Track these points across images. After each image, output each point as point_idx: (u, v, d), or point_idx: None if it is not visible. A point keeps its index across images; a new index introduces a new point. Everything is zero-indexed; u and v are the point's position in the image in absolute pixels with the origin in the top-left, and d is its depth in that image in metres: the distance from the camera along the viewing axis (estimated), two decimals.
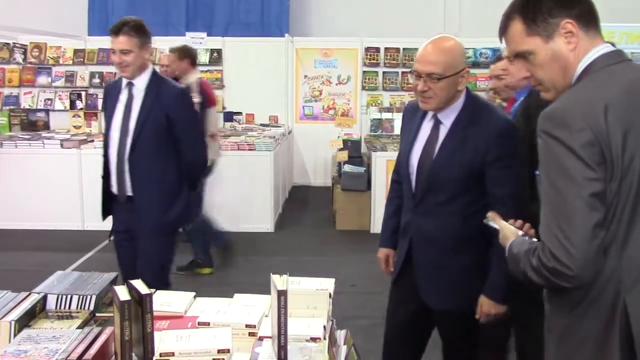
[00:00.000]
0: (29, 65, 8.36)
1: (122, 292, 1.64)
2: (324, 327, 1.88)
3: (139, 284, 1.68)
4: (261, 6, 9.81)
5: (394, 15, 9.39)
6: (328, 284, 2.10)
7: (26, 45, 8.36)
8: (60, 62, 8.53)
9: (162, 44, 8.68)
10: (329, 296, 2.04)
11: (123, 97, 3.20)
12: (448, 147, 2.32)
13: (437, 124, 2.36)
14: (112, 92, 3.29)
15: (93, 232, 6.15)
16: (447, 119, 2.34)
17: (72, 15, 9.52)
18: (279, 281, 1.71)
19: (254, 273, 5.30)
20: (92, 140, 6.83)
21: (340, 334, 2.05)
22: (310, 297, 2.00)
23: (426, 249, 2.41)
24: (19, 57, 8.35)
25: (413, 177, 2.40)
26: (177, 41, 8.49)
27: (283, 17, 9.75)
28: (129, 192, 3.20)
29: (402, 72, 8.63)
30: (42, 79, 8.34)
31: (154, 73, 3.22)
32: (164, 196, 3.22)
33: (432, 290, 2.42)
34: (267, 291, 2.27)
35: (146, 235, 3.20)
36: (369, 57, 8.70)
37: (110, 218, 3.38)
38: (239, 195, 6.59)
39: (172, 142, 3.20)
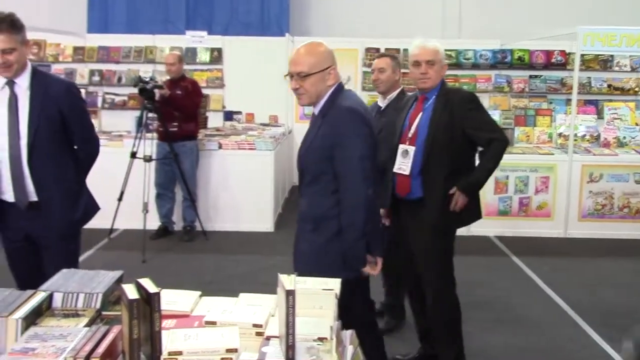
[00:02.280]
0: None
1: (131, 291, 1.64)
2: (331, 327, 1.88)
3: (147, 283, 1.68)
4: (261, 5, 9.81)
5: (394, 16, 9.41)
6: (334, 284, 2.10)
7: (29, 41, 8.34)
8: (60, 59, 8.52)
9: (162, 42, 8.71)
10: (335, 297, 2.04)
11: (3, 97, 2.93)
12: (309, 135, 2.74)
13: (313, 116, 2.76)
14: None
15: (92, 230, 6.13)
16: (317, 110, 2.70)
17: (71, 13, 9.51)
18: (286, 281, 1.71)
19: (255, 272, 5.31)
20: None
21: (346, 334, 2.05)
22: (317, 297, 2.00)
23: (302, 221, 2.79)
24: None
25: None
26: (177, 39, 8.54)
27: (283, 17, 9.76)
28: (33, 198, 3.00)
29: (403, 73, 8.62)
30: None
31: (34, 69, 2.99)
32: (68, 196, 3.10)
33: None
34: (268, 290, 2.28)
35: (54, 237, 3.06)
36: (369, 57, 8.70)
37: None
38: (239, 194, 6.59)
39: (67, 140, 3.09)
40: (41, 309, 1.88)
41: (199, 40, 8.17)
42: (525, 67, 8.53)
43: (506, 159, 6.30)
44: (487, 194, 6.53)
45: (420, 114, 3.40)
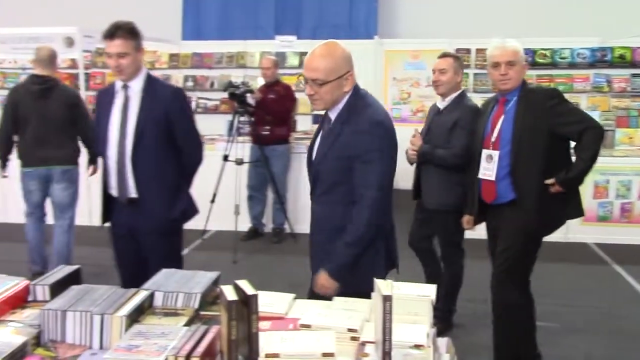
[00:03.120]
0: None
1: (229, 292, 1.66)
2: (428, 334, 1.83)
3: (245, 285, 1.70)
4: (349, 8, 9.83)
5: (485, 15, 9.18)
6: (429, 291, 2.06)
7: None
8: (156, 66, 8.84)
9: (253, 48, 8.87)
10: (430, 303, 1.99)
11: (119, 100, 3.16)
12: (326, 142, 2.55)
13: (328, 121, 2.57)
14: (105, 96, 3.24)
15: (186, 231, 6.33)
16: (333, 115, 2.53)
17: (167, 21, 9.88)
18: (383, 286, 1.69)
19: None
20: None
21: (442, 342, 2.00)
22: (412, 303, 1.97)
23: (317, 234, 2.65)
24: None
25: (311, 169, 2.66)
26: (267, 44, 8.68)
27: (371, 19, 9.74)
28: (133, 194, 3.17)
29: (474, 74, 8.40)
30: None
31: (148, 75, 3.19)
32: (166, 195, 3.20)
33: None
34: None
35: (151, 234, 3.18)
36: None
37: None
38: None
39: (171, 141, 3.19)
40: (143, 307, 1.94)
41: (288, 44, 8.28)
42: (627, 66, 8.09)
43: (607, 162, 6.02)
44: (586, 199, 6.23)
45: (502, 117, 3.33)
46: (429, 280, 4.00)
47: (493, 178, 3.32)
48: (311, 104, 2.55)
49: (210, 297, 2.10)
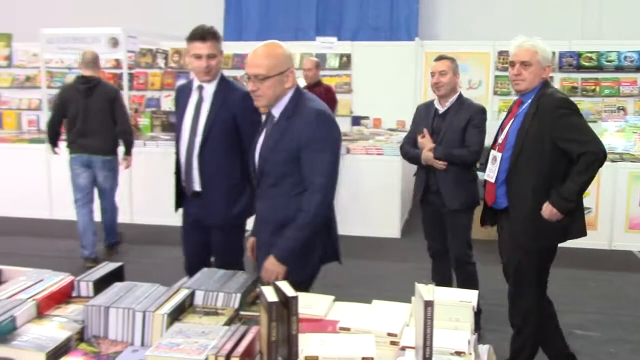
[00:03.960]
0: (169, 69, 8.82)
1: (270, 293, 1.66)
2: (469, 340, 1.81)
3: (285, 286, 1.70)
4: (390, 10, 9.77)
5: (529, 17, 9.02)
6: (471, 296, 2.03)
7: (167, 50, 8.83)
8: None
9: (293, 49, 8.89)
10: (472, 309, 1.96)
11: (193, 99, 3.31)
12: (271, 138, 2.64)
13: (272, 119, 2.67)
14: (182, 94, 3.39)
15: None
16: (277, 112, 2.64)
17: (209, 22, 9.96)
18: (425, 291, 1.66)
19: (381, 278, 5.28)
20: None
21: (484, 349, 1.97)
22: (453, 308, 1.94)
23: (262, 231, 2.72)
24: (160, 62, 8.83)
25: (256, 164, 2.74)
26: (308, 46, 8.70)
27: (412, 21, 9.66)
28: (197, 188, 3.32)
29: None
30: (183, 81, 8.78)
31: (222, 77, 3.32)
32: (230, 192, 3.31)
33: None
34: (394, 297, 2.25)
35: (216, 228, 3.34)
36: (502, 61, 8.39)
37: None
38: (366, 199, 6.59)
39: (238, 142, 3.28)
40: (184, 306, 1.96)
41: (329, 46, 8.28)
42: None
43: None
44: (631, 206, 6.08)
45: (512, 119, 3.24)
46: (441, 283, 3.95)
47: (493, 180, 3.25)
48: (254, 101, 2.65)
49: (250, 298, 2.11)
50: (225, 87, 3.31)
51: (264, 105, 2.65)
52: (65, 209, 7.13)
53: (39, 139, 7.51)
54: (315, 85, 6.37)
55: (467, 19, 9.31)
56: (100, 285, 2.08)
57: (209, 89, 3.28)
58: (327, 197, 2.58)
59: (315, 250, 2.66)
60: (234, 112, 3.25)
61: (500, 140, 3.26)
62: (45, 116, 7.90)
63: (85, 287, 2.08)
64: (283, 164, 2.60)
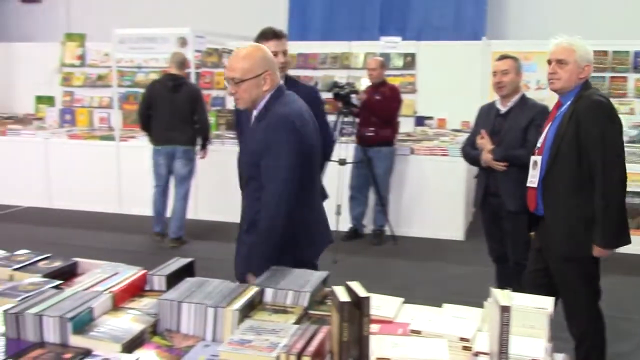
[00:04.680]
0: None
1: (342, 293, 1.65)
2: (545, 348, 1.75)
3: (356, 286, 1.68)
4: (456, 9, 9.61)
5: (600, 16, 8.71)
6: (546, 303, 1.96)
7: (233, 50, 8.95)
8: None
9: (357, 49, 8.88)
10: (548, 316, 1.90)
11: None
12: (248, 138, 2.77)
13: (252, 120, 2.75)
14: None
15: None
16: (255, 114, 2.69)
17: (273, 22, 10.05)
18: (501, 296, 1.62)
19: (444, 281, 5.20)
20: None
21: (559, 358, 1.90)
22: (528, 315, 1.88)
23: (243, 225, 2.79)
24: (226, 61, 8.96)
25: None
26: (372, 45, 8.66)
27: (479, 20, 9.47)
28: None
29: (611, 77, 7.97)
30: None
31: (286, 76, 3.35)
32: None
33: None
34: (458, 300, 2.20)
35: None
36: None
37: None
38: (430, 200, 6.51)
39: None
40: (254, 303, 1.97)
41: (393, 45, 8.20)
42: None
43: None
44: None
45: (551, 122, 3.13)
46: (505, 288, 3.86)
47: (535, 185, 3.14)
48: (235, 104, 2.71)
49: (319, 297, 2.10)
50: (293, 85, 3.32)
51: (244, 107, 2.70)
52: (134, 205, 7.35)
53: (110, 136, 7.75)
54: (380, 85, 6.32)
55: (537, 18, 9.06)
56: (172, 279, 2.11)
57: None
58: (280, 204, 2.53)
59: (288, 255, 2.59)
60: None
61: (539, 144, 3.17)
62: (116, 114, 8.16)
63: (157, 281, 2.12)
64: (249, 167, 2.68)
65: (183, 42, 7.00)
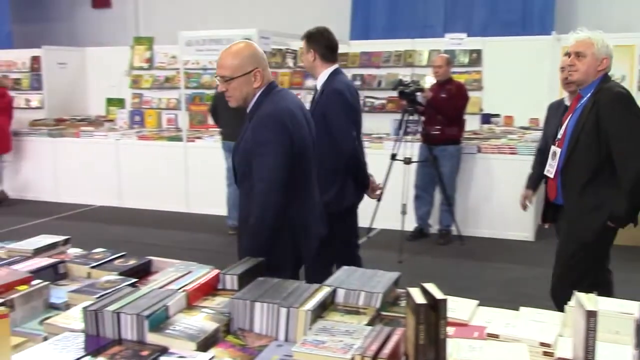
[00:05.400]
0: (298, 69, 8.99)
1: (417, 295, 1.61)
2: (633, 356, 1.66)
3: (432, 288, 1.64)
4: (523, 3, 9.36)
5: None
6: (632, 308, 1.87)
7: (296, 50, 9.00)
8: None
9: (421, 46, 8.77)
10: (635, 322, 1.81)
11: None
12: (240, 135, 2.73)
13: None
14: None
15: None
16: (247, 111, 2.71)
17: (336, 21, 10.05)
18: (586, 300, 1.55)
19: (513, 282, 5.07)
20: None
21: None
22: (614, 320, 1.79)
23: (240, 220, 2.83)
24: (290, 61, 9.02)
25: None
26: (436, 42, 8.53)
27: (548, 14, 9.19)
28: None
29: None
30: (310, 82, 8.91)
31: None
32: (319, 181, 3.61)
33: None
34: (529, 302, 2.13)
35: None
36: None
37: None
38: (498, 200, 6.36)
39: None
40: (326, 303, 1.95)
41: (458, 42, 8.05)
42: None
43: None
44: None
45: (571, 114, 3.22)
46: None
47: (552, 176, 3.27)
48: (228, 101, 2.71)
49: (391, 298, 2.07)
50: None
51: (236, 105, 2.69)
52: (201, 204, 7.49)
53: (177, 137, 7.92)
54: (446, 83, 6.22)
55: (609, 10, 8.72)
56: (244, 279, 2.12)
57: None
58: (268, 202, 2.55)
59: (287, 255, 2.69)
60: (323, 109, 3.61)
61: (559, 136, 3.26)
62: (183, 115, 8.33)
63: (230, 280, 2.13)
64: (240, 165, 2.71)
65: None
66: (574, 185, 3.16)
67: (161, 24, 10.45)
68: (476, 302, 2.08)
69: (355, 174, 3.77)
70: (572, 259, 3.24)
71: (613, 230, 3.18)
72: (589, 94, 3.12)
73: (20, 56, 10.22)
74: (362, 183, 3.85)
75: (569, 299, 3.12)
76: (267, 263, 2.36)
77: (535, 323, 1.88)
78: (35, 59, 10.03)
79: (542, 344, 1.72)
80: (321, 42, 3.79)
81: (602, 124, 3.02)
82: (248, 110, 2.69)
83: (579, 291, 3.07)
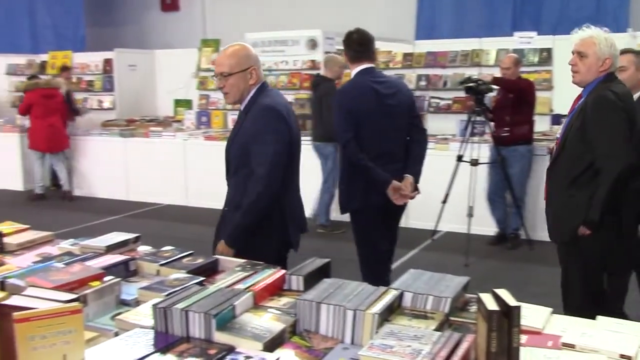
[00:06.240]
0: None
1: (489, 301, 1.56)
2: None
3: (505, 294, 1.59)
4: (597, 0, 9.06)
5: None
6: None
7: None
8: (390, 65, 8.97)
9: (489, 45, 8.59)
10: None
11: None
12: (235, 129, 3.00)
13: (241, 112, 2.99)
14: None
15: (416, 230, 6.33)
16: (242, 107, 2.94)
17: (401, 20, 9.98)
18: None
19: None
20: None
21: None
22: None
23: (227, 211, 3.03)
24: None
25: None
26: (504, 42, 8.34)
27: (622, 10, 8.87)
28: None
29: None
30: None
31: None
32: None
33: None
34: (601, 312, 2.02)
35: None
36: None
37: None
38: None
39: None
40: (393, 306, 1.92)
41: (528, 41, 7.86)
42: None
43: None
44: None
45: (569, 114, 3.19)
46: None
47: None
48: (224, 99, 2.98)
49: (459, 303, 2.01)
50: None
51: (232, 102, 2.96)
52: None
53: None
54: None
55: None
56: (310, 280, 2.11)
57: None
58: (268, 187, 2.78)
59: (268, 237, 2.88)
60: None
61: (558, 136, 3.28)
62: None
63: (295, 280, 2.13)
64: (239, 156, 2.89)
65: (313, 44, 7.10)
66: (556, 186, 3.17)
67: (227, 26, 10.63)
68: (550, 309, 2.00)
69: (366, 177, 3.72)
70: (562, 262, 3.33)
71: (593, 237, 3.09)
72: (587, 94, 3.09)
73: (94, 59, 10.60)
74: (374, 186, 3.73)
75: (576, 305, 3.13)
76: (252, 243, 2.75)
77: (613, 333, 1.79)
78: (108, 62, 10.38)
79: (623, 357, 1.64)
80: (348, 45, 3.85)
81: (587, 126, 3.00)
82: (244, 106, 2.93)
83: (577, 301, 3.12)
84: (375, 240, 3.85)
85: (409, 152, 3.81)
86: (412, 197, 3.78)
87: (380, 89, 3.73)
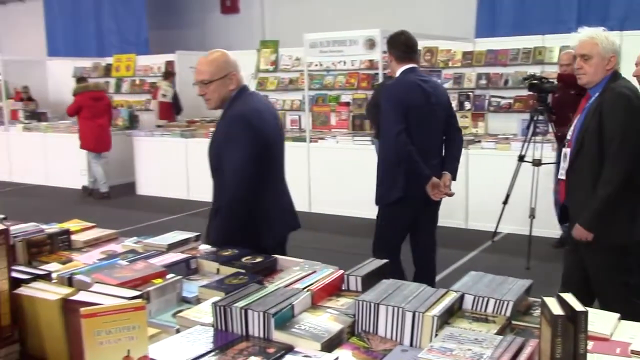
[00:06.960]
0: (421, 68, 8.83)
1: (554, 305, 1.52)
2: None
3: (570, 299, 1.53)
4: None
5: None
6: None
7: (420, 49, 8.87)
8: (450, 64, 8.85)
9: (552, 42, 8.36)
10: None
11: None
12: (213, 134, 3.10)
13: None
14: None
15: (476, 232, 6.23)
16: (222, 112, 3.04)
17: (461, 19, 9.83)
18: None
19: None
20: (479, 141, 6.91)
21: None
22: None
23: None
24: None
25: None
26: (568, 38, 8.10)
27: None
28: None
29: None
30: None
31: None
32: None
33: None
34: None
35: None
36: None
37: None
38: None
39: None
40: (453, 309, 1.89)
41: None
42: None
43: None
44: None
45: (579, 115, 3.17)
46: None
47: (564, 177, 3.21)
48: (206, 105, 3.03)
49: (522, 307, 1.97)
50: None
51: (213, 107, 3.02)
52: (322, 205, 7.58)
53: (301, 137, 8.07)
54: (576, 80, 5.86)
55: None
56: (368, 280, 2.10)
57: None
58: (237, 192, 2.87)
59: (246, 240, 2.81)
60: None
61: (569, 137, 3.22)
62: (306, 116, 8.49)
63: (354, 281, 2.12)
64: (215, 158, 3.01)
65: (371, 44, 7.07)
66: (578, 189, 3.12)
67: (286, 27, 10.71)
68: (617, 315, 1.93)
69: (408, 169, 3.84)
70: (598, 270, 3.19)
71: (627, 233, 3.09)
72: (597, 94, 3.06)
73: (156, 61, 10.86)
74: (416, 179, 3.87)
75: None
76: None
77: None
78: (170, 64, 10.61)
79: None
80: (394, 45, 4.03)
81: (604, 125, 2.98)
82: (222, 110, 3.02)
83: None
84: (400, 237, 4.07)
85: (446, 151, 3.97)
86: (449, 195, 3.92)
87: (426, 87, 3.90)
